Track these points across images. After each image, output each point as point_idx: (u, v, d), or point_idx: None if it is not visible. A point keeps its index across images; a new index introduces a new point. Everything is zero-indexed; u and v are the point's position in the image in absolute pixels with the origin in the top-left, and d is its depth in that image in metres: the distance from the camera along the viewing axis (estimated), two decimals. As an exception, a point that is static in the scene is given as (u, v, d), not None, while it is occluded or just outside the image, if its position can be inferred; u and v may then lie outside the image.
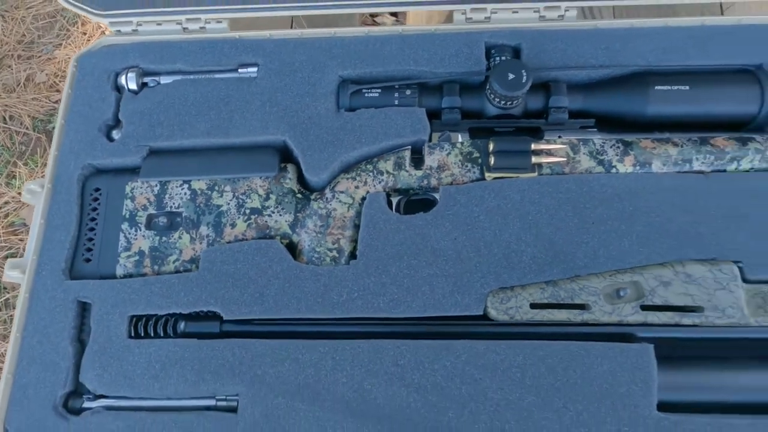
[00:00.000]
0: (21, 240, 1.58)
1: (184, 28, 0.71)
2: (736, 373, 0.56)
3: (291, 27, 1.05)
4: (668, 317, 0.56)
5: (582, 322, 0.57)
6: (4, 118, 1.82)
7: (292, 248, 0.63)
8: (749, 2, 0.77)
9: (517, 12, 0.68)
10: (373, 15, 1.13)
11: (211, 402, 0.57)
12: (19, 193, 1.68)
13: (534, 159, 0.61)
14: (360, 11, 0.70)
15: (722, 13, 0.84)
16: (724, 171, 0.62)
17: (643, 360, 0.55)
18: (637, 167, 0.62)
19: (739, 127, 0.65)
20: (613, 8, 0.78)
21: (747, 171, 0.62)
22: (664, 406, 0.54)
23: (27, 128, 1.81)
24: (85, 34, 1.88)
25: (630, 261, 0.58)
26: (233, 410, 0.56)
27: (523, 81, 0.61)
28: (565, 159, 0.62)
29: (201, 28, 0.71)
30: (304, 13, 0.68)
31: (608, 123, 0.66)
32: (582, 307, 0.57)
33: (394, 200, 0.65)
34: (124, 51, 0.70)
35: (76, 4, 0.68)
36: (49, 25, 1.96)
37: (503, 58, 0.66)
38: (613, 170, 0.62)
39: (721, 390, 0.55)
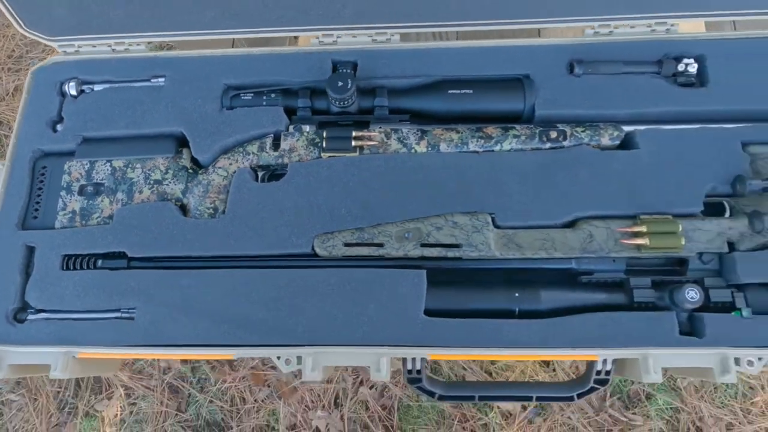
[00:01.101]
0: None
1: (113, 49, 0.96)
2: (482, 290, 0.79)
3: (232, 46, 1.27)
4: (438, 251, 0.80)
5: (379, 255, 0.81)
6: (-5, 123, 2.07)
7: (184, 208, 0.87)
8: (559, 29, 1.00)
9: (356, 37, 0.92)
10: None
11: (117, 314, 0.81)
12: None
13: (354, 143, 0.86)
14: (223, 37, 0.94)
15: (539, 35, 1.08)
16: (492, 151, 0.86)
17: (418, 280, 0.79)
18: (430, 148, 0.86)
19: (513, 120, 0.89)
20: (432, 33, 1.03)
21: (508, 151, 0.86)
22: (429, 312, 0.78)
23: (14, 132, 2.05)
24: (54, 51, 2.14)
25: (416, 213, 0.82)
26: (132, 319, 0.80)
27: (348, 87, 0.85)
28: (379, 143, 0.86)
29: (125, 49, 0.95)
30: (180, 40, 0.93)
31: (419, 117, 0.90)
32: (379, 245, 0.81)
33: (260, 173, 0.89)
34: (68, 66, 0.95)
35: (31, 31, 0.93)
36: (36, 42, 2.20)
37: (344, 71, 0.90)
38: (413, 150, 0.86)
39: (471, 301, 0.79)
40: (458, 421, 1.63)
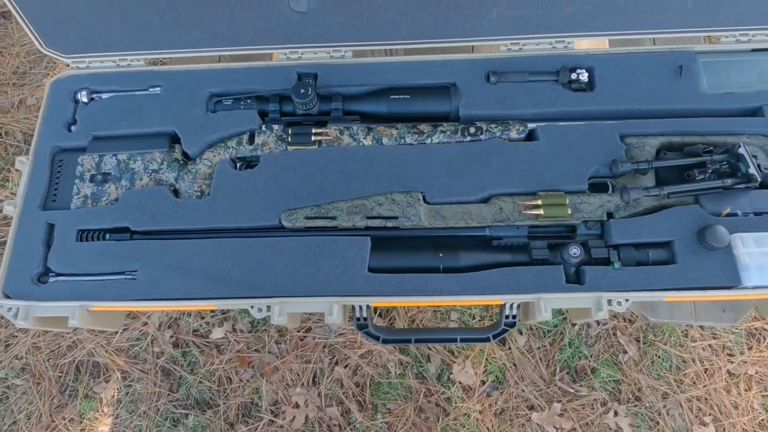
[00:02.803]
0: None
1: (117, 65, 1.16)
2: (414, 252, 1.00)
3: (218, 61, 1.46)
4: (380, 222, 1.00)
5: (332, 226, 1.01)
6: (0, 134, 2.24)
7: (176, 192, 1.07)
8: (491, 45, 1.22)
9: (316, 53, 1.14)
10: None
11: (122, 276, 1.00)
12: (13, 194, 2.10)
13: (314, 138, 1.06)
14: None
15: (472, 52, 1.29)
16: (424, 143, 1.07)
17: (363, 245, 0.99)
18: (374, 142, 1.07)
19: (442, 119, 1.10)
20: (384, 50, 1.24)
21: (436, 143, 1.07)
22: (373, 270, 0.98)
23: (19, 141, 2.23)
24: (68, 65, 2.34)
25: (362, 193, 1.02)
26: (134, 279, 0.99)
27: (309, 93, 1.06)
28: (334, 138, 1.07)
29: (127, 64, 1.16)
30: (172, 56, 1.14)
31: (367, 118, 1.11)
32: (333, 218, 1.01)
33: (238, 164, 1.09)
34: (80, 78, 1.15)
35: (49, 50, 1.13)
36: (39, 59, 2.40)
37: (306, 80, 1.11)
38: (361, 144, 1.07)
39: (405, 261, 0.99)
40: (423, 395, 1.80)
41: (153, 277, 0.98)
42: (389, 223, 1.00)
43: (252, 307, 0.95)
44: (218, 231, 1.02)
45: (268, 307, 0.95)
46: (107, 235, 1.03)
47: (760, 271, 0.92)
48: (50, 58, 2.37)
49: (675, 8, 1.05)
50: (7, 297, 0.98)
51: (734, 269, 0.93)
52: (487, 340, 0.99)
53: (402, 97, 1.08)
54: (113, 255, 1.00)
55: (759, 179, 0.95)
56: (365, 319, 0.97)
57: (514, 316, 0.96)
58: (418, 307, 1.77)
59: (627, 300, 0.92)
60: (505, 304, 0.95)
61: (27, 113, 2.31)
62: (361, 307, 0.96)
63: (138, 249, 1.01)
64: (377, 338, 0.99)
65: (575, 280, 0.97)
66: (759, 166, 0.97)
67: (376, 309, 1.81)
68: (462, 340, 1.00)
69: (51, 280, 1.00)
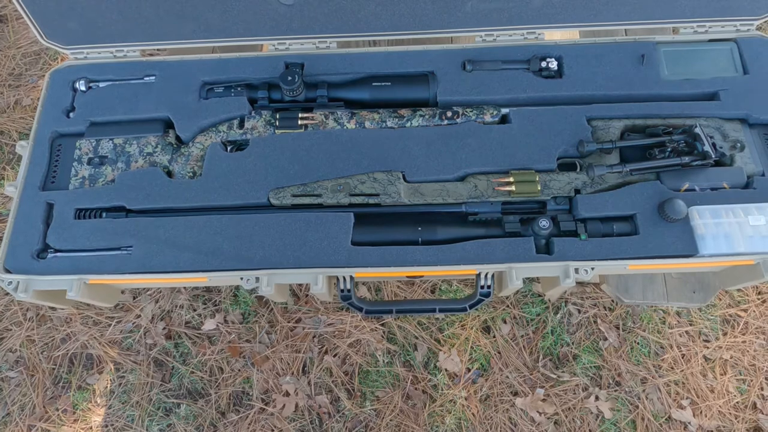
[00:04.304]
0: (8, 220, 2.03)
1: (114, 55, 1.23)
2: (395, 226, 1.06)
3: (212, 52, 1.50)
4: (362, 200, 1.07)
5: (318, 204, 1.07)
6: (-4, 134, 2.28)
7: (170, 173, 1.13)
8: (467, 36, 1.29)
9: (303, 44, 1.21)
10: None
11: (118, 251, 1.05)
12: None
13: (300, 122, 1.13)
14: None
15: (451, 42, 1.37)
16: (404, 126, 1.14)
17: (346, 220, 1.05)
18: (357, 125, 1.14)
19: (421, 104, 1.17)
20: (369, 42, 1.31)
21: (416, 126, 1.14)
22: (356, 243, 1.04)
23: (14, 140, 2.27)
24: (67, 56, 2.39)
25: (346, 172, 1.09)
26: (129, 254, 1.05)
27: (296, 81, 1.13)
28: (320, 122, 1.14)
29: (124, 55, 1.23)
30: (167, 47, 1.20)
31: (351, 104, 1.18)
32: (318, 196, 1.07)
33: (229, 147, 1.16)
34: (78, 68, 1.22)
35: (50, 41, 1.19)
36: (34, 61, 2.46)
37: (294, 69, 1.18)
38: (345, 127, 1.14)
39: (386, 234, 1.05)
40: (410, 383, 1.85)
41: (147, 252, 1.04)
42: (371, 200, 1.06)
43: (242, 278, 1.01)
44: (209, 209, 1.08)
45: (257, 279, 1.00)
46: (104, 214, 1.08)
47: (715, 240, 0.99)
48: (46, 60, 2.42)
49: (635, 1, 1.13)
50: (8, 272, 1.03)
51: (692, 239, 1.00)
52: (464, 309, 1.05)
53: (383, 84, 1.15)
54: (110, 232, 1.06)
55: (714, 157, 1.03)
56: (348, 290, 1.03)
57: (489, 286, 1.02)
58: (407, 283, 1.81)
59: (592, 269, 0.99)
60: (480, 274, 1.01)
61: (23, 113, 2.35)
62: (344, 278, 1.02)
63: (133, 226, 1.06)
64: (360, 309, 1.05)
65: (545, 250, 1.03)
66: (714, 145, 1.04)
67: (366, 286, 1.85)
68: (441, 310, 1.06)
69: (50, 255, 1.05)
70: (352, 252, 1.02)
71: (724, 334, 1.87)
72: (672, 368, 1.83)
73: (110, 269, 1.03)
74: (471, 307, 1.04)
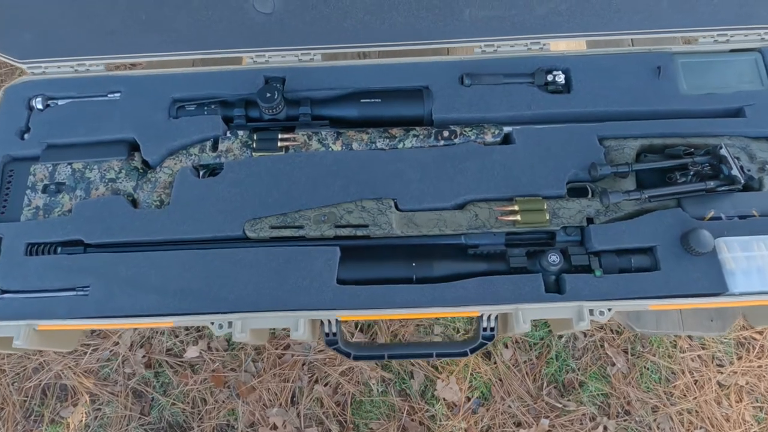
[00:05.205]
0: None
1: (75, 70, 1.11)
2: (386, 262, 0.94)
3: (192, 65, 1.38)
4: (349, 231, 0.95)
5: (300, 236, 0.96)
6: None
7: (134, 201, 1.02)
8: (465, 47, 1.18)
9: (284, 56, 1.10)
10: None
11: (73, 292, 0.93)
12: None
13: (280, 143, 1.01)
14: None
15: (447, 54, 1.26)
16: (396, 148, 1.02)
17: (331, 255, 0.94)
18: (344, 147, 1.02)
19: (415, 123, 1.06)
20: (358, 54, 1.20)
21: (409, 148, 1.02)
22: (342, 281, 0.92)
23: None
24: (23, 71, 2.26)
25: (331, 200, 0.98)
26: (86, 295, 0.93)
27: (275, 97, 1.01)
28: (302, 143, 1.03)
29: (86, 69, 1.11)
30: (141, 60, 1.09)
31: (337, 123, 1.06)
32: (300, 227, 0.96)
33: (201, 172, 1.04)
34: (35, 84, 1.10)
35: (3, 55, 1.08)
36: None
37: (273, 84, 1.07)
38: (330, 149, 1.02)
39: (376, 271, 0.94)
40: (407, 414, 1.74)
41: (106, 293, 0.92)
42: (359, 232, 0.95)
43: (212, 323, 0.89)
44: (178, 242, 0.97)
45: (230, 323, 0.89)
46: (59, 249, 0.97)
47: (747, 276, 0.88)
48: (3, 72, 2.29)
49: (650, 8, 1.03)
50: (-53, 316, 0.91)
51: (720, 275, 0.89)
52: (465, 354, 0.93)
53: (373, 101, 1.04)
54: (65, 269, 0.94)
55: (742, 181, 0.92)
56: (335, 334, 0.91)
57: (492, 329, 0.91)
58: (400, 320, 1.72)
59: (609, 309, 0.88)
60: (482, 316, 0.90)
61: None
62: (330, 321, 0.90)
63: (91, 262, 0.94)
64: (348, 354, 0.93)
65: (555, 289, 0.92)
66: (742, 167, 0.94)
67: (356, 324, 1.76)
68: (438, 355, 0.94)
69: (-4, 297, 0.94)
70: (338, 291, 0.91)
71: (739, 359, 1.78)
72: (684, 395, 1.74)
73: (63, 313, 0.91)
74: (472, 351, 0.93)
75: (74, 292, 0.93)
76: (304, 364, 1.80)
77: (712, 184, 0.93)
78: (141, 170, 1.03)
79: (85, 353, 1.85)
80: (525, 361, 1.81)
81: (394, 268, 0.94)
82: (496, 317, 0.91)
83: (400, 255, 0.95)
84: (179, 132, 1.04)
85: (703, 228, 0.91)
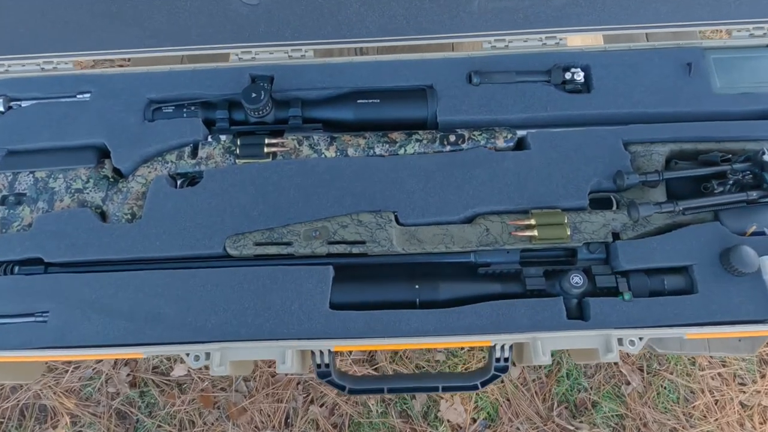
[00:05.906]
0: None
1: (42, 68, 1.01)
2: (385, 283, 0.84)
3: (181, 62, 1.28)
4: (343, 248, 0.84)
5: (287, 254, 0.85)
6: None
7: (103, 214, 0.91)
8: (473, 42, 1.08)
9: (272, 53, 0.99)
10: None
11: (30, 318, 0.82)
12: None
13: (267, 150, 0.91)
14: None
15: (453, 50, 1.16)
16: (396, 154, 0.92)
17: (323, 276, 0.83)
18: (338, 153, 0.92)
19: (418, 126, 0.95)
20: (355, 50, 1.10)
21: (411, 154, 0.92)
22: (335, 306, 0.82)
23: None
24: None
25: (324, 213, 0.87)
26: (44, 321, 0.82)
27: (262, 98, 0.91)
28: (292, 149, 0.92)
29: (53, 67, 1.00)
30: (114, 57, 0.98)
31: (331, 126, 0.96)
32: (288, 244, 0.85)
33: (179, 180, 0.93)
34: (-3, 84, 0.99)
35: (-40, 51, 0.97)
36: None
37: (260, 83, 0.96)
38: (323, 155, 0.92)
39: (375, 294, 0.83)
40: (408, 436, 1.63)
41: (68, 319, 0.81)
42: (355, 249, 0.84)
43: (188, 354, 0.78)
44: (150, 261, 0.86)
45: (207, 355, 0.78)
46: (16, 268, 0.86)
47: (798, 300, 0.77)
48: None
49: (679, -2, 0.92)
50: None
51: (765, 298, 0.78)
52: (475, 388, 0.82)
53: (371, 101, 0.94)
54: (22, 292, 0.83)
55: (789, 191, 0.81)
56: (327, 365, 0.80)
57: (506, 359, 0.80)
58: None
59: (641, 339, 0.77)
60: (494, 346, 0.79)
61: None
62: (321, 352, 0.79)
63: (52, 284, 0.84)
64: (342, 388, 0.82)
65: (578, 315, 0.81)
66: (787, 175, 0.83)
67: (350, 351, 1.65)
68: (444, 389, 0.83)
69: (-54, 324, 0.83)
70: (331, 318, 0.80)
71: (762, 377, 1.67)
72: (705, 417, 1.63)
73: (16, 343, 0.80)
74: (483, 384, 0.82)
75: (32, 318, 0.82)
76: (298, 384, 1.70)
77: (754, 194, 0.82)
78: (111, 179, 0.93)
79: (66, 371, 1.74)
80: (534, 380, 1.70)
81: (395, 291, 0.83)
82: (511, 347, 0.80)
83: (402, 275, 0.84)
84: (155, 136, 0.94)
85: (745, 245, 0.80)
